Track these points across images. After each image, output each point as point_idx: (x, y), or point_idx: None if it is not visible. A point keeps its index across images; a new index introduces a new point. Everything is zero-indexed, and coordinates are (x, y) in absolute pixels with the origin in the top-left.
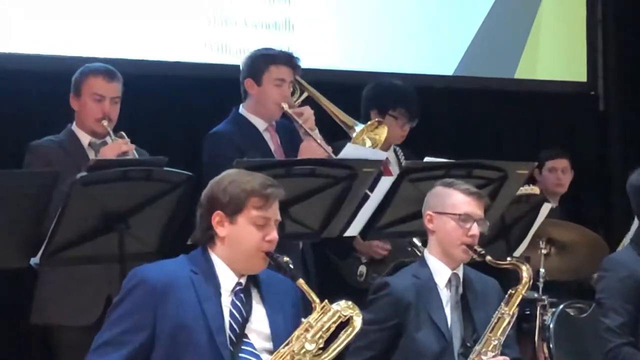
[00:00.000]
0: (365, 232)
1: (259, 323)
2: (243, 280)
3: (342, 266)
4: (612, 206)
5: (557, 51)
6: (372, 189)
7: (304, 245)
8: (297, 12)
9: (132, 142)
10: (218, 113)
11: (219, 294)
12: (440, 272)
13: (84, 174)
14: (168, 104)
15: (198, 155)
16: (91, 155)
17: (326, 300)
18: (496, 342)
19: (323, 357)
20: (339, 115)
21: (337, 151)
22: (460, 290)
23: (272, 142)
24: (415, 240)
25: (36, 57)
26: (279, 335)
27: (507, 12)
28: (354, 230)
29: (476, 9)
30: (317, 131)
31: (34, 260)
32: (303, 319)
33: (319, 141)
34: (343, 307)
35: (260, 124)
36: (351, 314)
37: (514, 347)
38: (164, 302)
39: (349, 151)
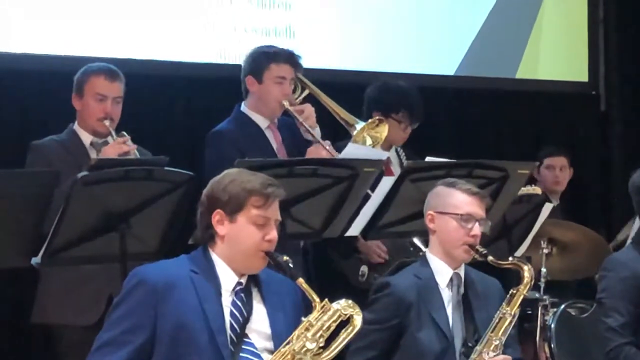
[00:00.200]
0: (366, 232)
1: (260, 323)
2: (243, 280)
3: (345, 266)
4: (614, 206)
5: (558, 51)
6: (373, 189)
7: (305, 245)
8: (297, 12)
9: (133, 141)
10: (219, 112)
11: (220, 294)
12: (442, 271)
13: (85, 173)
14: (169, 103)
15: (199, 155)
16: (93, 154)
17: (326, 299)
18: (497, 342)
19: (323, 356)
20: (340, 113)
21: (338, 151)
22: (462, 290)
23: (274, 140)
24: (416, 239)
25: (38, 56)
26: (280, 335)
27: (509, 12)
28: (355, 230)
29: (477, 8)
30: (317, 129)
31: (35, 260)
32: (303, 318)
33: (326, 146)
34: (343, 306)
35: (261, 121)
36: (351, 313)
37: (515, 347)
38: (165, 302)
39: (350, 151)
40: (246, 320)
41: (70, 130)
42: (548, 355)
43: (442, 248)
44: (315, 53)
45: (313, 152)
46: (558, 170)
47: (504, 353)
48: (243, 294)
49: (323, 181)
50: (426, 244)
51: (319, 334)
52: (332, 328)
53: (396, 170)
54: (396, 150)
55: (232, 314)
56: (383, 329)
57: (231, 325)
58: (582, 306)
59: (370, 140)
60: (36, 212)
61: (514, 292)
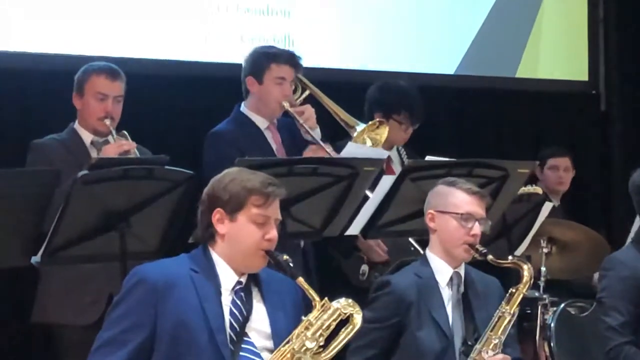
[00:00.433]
0: (366, 231)
1: (260, 322)
2: (243, 279)
3: (345, 265)
4: (614, 205)
5: (558, 50)
6: (373, 188)
7: (305, 244)
8: (298, 11)
9: (133, 140)
10: (219, 112)
11: (220, 293)
12: (442, 270)
13: (85, 172)
14: (169, 102)
15: (199, 154)
16: (93, 153)
17: (326, 298)
18: (497, 341)
19: (323, 355)
20: (340, 114)
21: (338, 150)
22: (462, 289)
23: (274, 140)
24: (411, 239)
25: (38, 55)
26: (280, 334)
27: (509, 11)
28: (355, 229)
29: (477, 8)
30: (318, 130)
31: (35, 259)
32: (303, 317)
33: (326, 149)
34: (343, 305)
35: (261, 122)
36: (351, 312)
37: (515, 346)
38: (165, 301)
39: (350, 150)
40: (246, 319)
41: (70, 129)
42: (548, 354)
43: (442, 247)
44: (315, 53)
45: (311, 152)
46: (562, 171)
47: (503, 352)
48: (243, 293)
49: (323, 180)
50: (423, 244)
51: (318, 333)
52: (332, 327)
53: (397, 169)
54: (397, 150)
55: (232, 313)
56: (383, 328)
57: (231, 324)
58: (582, 305)
59: (370, 142)
60: (37, 212)
61: (514, 291)
